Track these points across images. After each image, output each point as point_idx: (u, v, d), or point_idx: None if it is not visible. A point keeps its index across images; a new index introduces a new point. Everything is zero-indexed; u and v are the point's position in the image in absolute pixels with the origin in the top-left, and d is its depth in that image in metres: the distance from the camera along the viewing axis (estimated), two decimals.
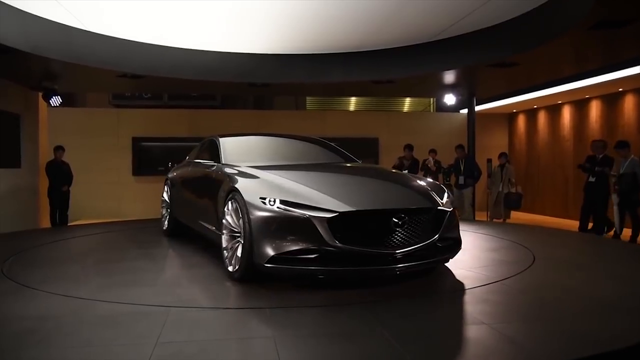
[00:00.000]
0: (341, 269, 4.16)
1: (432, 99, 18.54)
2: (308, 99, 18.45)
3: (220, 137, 6.35)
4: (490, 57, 9.41)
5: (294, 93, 16.59)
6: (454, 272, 4.98)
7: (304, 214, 4.14)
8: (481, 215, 13.00)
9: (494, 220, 11.80)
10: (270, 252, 4.17)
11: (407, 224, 4.31)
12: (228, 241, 4.74)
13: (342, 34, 9.12)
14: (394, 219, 4.24)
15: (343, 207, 4.18)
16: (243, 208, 4.41)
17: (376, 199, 4.51)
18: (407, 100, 19.10)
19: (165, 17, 8.30)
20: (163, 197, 7.58)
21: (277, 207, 4.22)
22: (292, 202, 4.23)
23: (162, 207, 7.62)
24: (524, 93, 13.41)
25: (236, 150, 6.01)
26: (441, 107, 16.63)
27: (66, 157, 11.17)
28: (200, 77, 10.32)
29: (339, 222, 4.13)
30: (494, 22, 8.63)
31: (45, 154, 11.92)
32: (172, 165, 8.11)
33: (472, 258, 5.75)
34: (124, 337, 3.22)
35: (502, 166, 12.03)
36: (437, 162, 12.03)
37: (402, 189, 4.91)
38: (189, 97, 16.94)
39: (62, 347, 3.09)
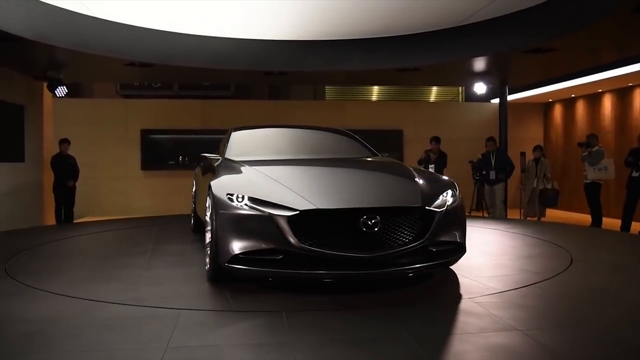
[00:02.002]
0: (306, 272, 4.16)
1: (460, 88, 18.41)
2: (327, 88, 18.43)
3: (235, 129, 6.49)
4: (524, 42, 9.30)
5: (313, 82, 16.57)
6: (483, 274, 4.95)
7: (267, 212, 4.17)
8: (514, 213, 12.90)
9: (528, 218, 11.69)
10: (232, 251, 4.22)
11: (384, 225, 4.18)
12: (209, 239, 4.81)
13: (364, 18, 9.09)
14: (363, 219, 4.12)
15: (306, 205, 4.16)
16: (211, 204, 4.55)
17: (349, 197, 4.39)
18: (434, 89, 18.98)
19: (176, 2, 8.34)
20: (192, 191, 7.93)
21: (244, 205, 4.26)
22: (259, 200, 4.26)
23: (192, 202, 7.97)
24: (561, 81, 13.24)
25: (244, 143, 6.11)
26: (470, 97, 16.52)
27: (72, 151, 11.31)
28: (213, 66, 10.35)
29: (305, 222, 4.12)
30: (529, 4, 8.53)
31: (50, 148, 12.07)
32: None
33: (503, 259, 5.71)
34: (133, 341, 3.25)
35: (536, 160, 11.90)
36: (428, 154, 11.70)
37: (385, 186, 4.79)
38: (201, 86, 17.02)
39: (67, 350, 3.13)
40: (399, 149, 15.28)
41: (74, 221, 11.26)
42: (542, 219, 11.71)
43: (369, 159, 6.00)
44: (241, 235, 4.22)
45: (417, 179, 4.83)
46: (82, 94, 16.88)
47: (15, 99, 10.91)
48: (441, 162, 11.43)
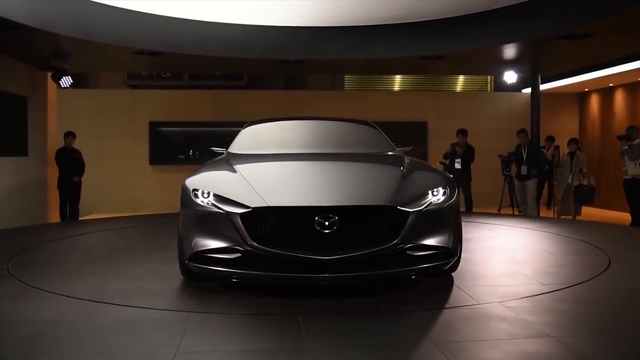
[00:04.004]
0: (260, 273, 4.20)
1: (489, 77, 18.28)
2: (346, 77, 18.39)
3: (250, 123, 6.56)
4: (558, 27, 9.20)
5: (331, 71, 16.54)
6: (512, 276, 4.91)
7: (224, 210, 4.25)
8: (547, 211, 12.79)
9: (562, 217, 11.58)
10: (192, 248, 4.36)
11: (345, 226, 4.13)
12: None
13: (386, 2, 9.05)
14: (318, 219, 4.09)
15: (259, 203, 4.20)
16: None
17: (310, 194, 4.35)
18: (461, 78, 18.87)
19: None
20: None
21: (208, 201, 4.36)
22: (222, 197, 4.35)
23: None
24: (598, 69, 13.09)
25: (251, 137, 6.17)
26: (500, 86, 16.38)
27: (77, 144, 11.41)
28: (226, 54, 10.38)
29: (259, 220, 4.17)
30: None
31: (55, 141, 12.19)
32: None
33: (536, 261, 5.67)
34: (141, 345, 3.28)
35: (571, 154, 11.79)
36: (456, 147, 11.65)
37: (356, 184, 4.62)
38: (213, 76, 17.07)
39: (73, 354, 3.16)
40: (423, 142, 15.21)
41: (79, 218, 11.37)
42: (578, 217, 11.61)
43: (367, 153, 5.77)
44: (200, 233, 4.35)
45: (401, 176, 4.66)
46: (87, 85, 17.02)
47: (18, 89, 11.02)
48: (468, 156, 11.36)
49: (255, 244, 4.13)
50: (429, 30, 10.14)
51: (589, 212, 12.72)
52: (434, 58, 11.29)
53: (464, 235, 4.87)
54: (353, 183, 4.63)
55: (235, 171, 4.72)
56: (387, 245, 4.20)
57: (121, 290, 4.50)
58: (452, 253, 4.53)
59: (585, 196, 11.53)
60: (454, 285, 4.62)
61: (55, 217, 11.75)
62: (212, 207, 4.33)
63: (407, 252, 4.30)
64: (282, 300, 4.21)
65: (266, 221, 4.18)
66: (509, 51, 11.02)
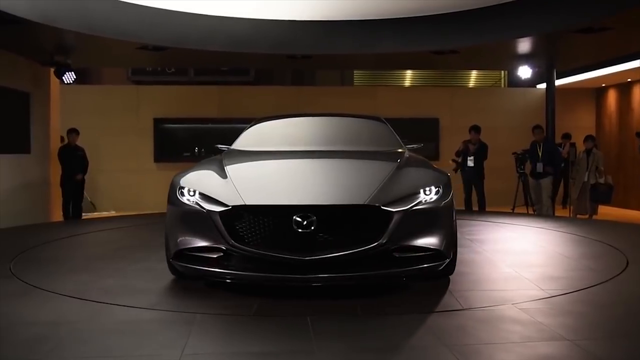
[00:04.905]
0: (239, 273, 4.24)
1: (503, 72, 18.21)
2: (356, 73, 18.36)
3: (259, 120, 6.61)
4: (574, 20, 9.15)
5: (340, 66, 16.53)
6: (528, 277, 4.90)
7: (205, 208, 4.32)
8: (562, 211, 12.73)
9: (578, 216, 11.54)
10: (175, 246, 4.47)
11: (324, 225, 4.11)
12: None
13: None
14: (295, 218, 4.09)
15: (237, 201, 4.24)
16: None
17: (289, 193, 4.38)
18: (473, 73, 18.81)
19: None
20: None
21: (193, 199, 4.44)
22: (206, 195, 4.41)
23: None
24: (616, 64, 13.03)
25: (255, 134, 6.23)
26: (514, 82, 16.30)
27: (80, 141, 11.45)
28: (232, 49, 10.38)
29: (238, 219, 4.21)
30: None
31: (57, 138, 12.23)
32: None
33: (550, 261, 5.66)
34: (146, 347, 3.29)
35: (588, 152, 11.75)
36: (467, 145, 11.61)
37: (341, 183, 4.57)
38: (219, 71, 17.08)
39: (75, 357, 3.18)
40: (435, 139, 15.16)
41: (83, 217, 11.41)
42: (594, 216, 11.56)
43: (367, 151, 5.67)
44: (184, 231, 4.44)
45: (391, 174, 4.59)
46: (91, 80, 17.07)
47: (20, 85, 11.06)
48: (481, 153, 11.34)
49: (234, 243, 4.18)
50: (441, 24, 10.10)
51: (605, 212, 12.66)
52: (446, 53, 11.25)
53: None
54: (338, 182, 4.62)
55: (224, 170, 4.76)
56: (370, 246, 4.16)
57: (126, 290, 4.52)
58: (443, 255, 4.42)
59: (602, 195, 11.48)
60: (461, 287, 4.61)
61: (57, 215, 11.80)
62: (195, 205, 4.40)
63: (394, 253, 4.24)
64: (289, 301, 4.22)
65: (245, 220, 4.22)
66: (524, 45, 10.96)
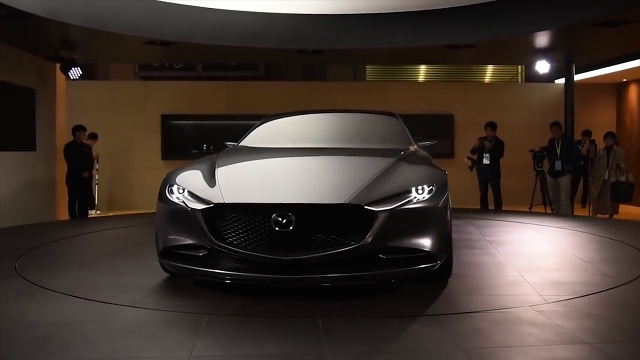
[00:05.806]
0: (223, 272, 4.27)
1: (520, 67, 18.17)
2: (368, 68, 18.37)
3: (268, 118, 6.68)
4: (594, 13, 9.11)
5: (352, 61, 16.53)
6: (546, 279, 4.87)
7: (189, 206, 4.36)
8: (582, 210, 12.66)
9: (598, 215, 11.49)
10: (162, 244, 4.55)
11: (304, 224, 4.10)
12: None
13: None
14: (274, 217, 4.09)
15: (218, 200, 4.28)
16: None
17: (270, 191, 4.41)
18: (490, 68, 18.77)
19: None
20: None
21: (181, 198, 4.49)
22: (193, 193, 4.46)
23: None
24: (637, 58, 12.95)
25: (263, 131, 6.30)
26: (532, 77, 16.25)
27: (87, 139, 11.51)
28: (240, 44, 10.40)
29: (220, 217, 4.26)
30: None
31: (64, 135, 12.30)
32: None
33: (569, 262, 5.63)
34: (153, 349, 3.30)
35: (608, 149, 11.67)
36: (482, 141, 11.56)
37: (325, 182, 4.58)
38: (228, 67, 17.12)
39: (82, 358, 3.19)
40: (449, 136, 15.13)
41: (89, 215, 11.47)
42: (615, 216, 11.50)
43: (368, 148, 5.59)
44: (170, 229, 4.51)
45: (381, 172, 4.52)
46: (97, 76, 17.17)
47: (26, 81, 11.13)
48: (497, 150, 11.30)
49: (216, 241, 4.22)
50: (456, 17, 10.07)
51: (626, 211, 12.58)
52: (461, 47, 11.22)
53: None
54: (323, 180, 4.63)
55: (214, 169, 4.80)
56: (352, 247, 4.10)
57: (132, 290, 4.53)
58: (434, 257, 4.32)
59: (622, 193, 11.41)
60: (477, 288, 4.60)
61: (63, 214, 11.87)
62: (182, 203, 4.45)
63: (380, 255, 4.18)
64: (300, 302, 4.22)
65: (227, 219, 4.27)
66: (542, 39, 10.92)
